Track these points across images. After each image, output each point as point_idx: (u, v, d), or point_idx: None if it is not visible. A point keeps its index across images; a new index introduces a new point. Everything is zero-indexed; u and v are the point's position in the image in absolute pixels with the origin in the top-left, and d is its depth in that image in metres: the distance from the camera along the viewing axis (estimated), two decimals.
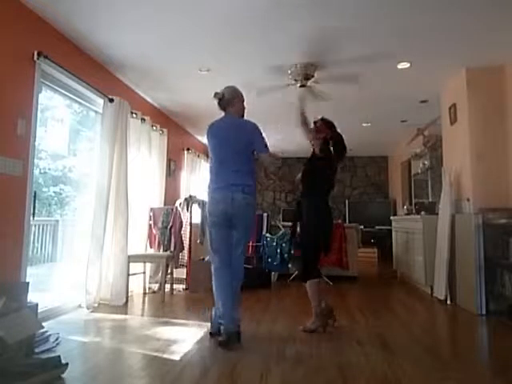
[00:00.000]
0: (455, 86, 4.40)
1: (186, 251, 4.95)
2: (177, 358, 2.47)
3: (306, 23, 3.29)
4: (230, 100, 3.00)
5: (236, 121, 3.04)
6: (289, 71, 4.19)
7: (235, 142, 2.92)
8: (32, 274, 3.29)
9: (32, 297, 2.67)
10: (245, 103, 3.09)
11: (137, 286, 4.59)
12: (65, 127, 4.37)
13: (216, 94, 3.00)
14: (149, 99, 5.34)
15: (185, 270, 4.91)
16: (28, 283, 2.69)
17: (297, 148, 8.29)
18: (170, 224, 4.78)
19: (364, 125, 6.39)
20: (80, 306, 3.73)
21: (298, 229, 3.33)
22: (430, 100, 5.11)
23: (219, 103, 3.02)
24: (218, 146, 2.96)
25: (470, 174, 4.11)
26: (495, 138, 4.06)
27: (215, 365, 2.38)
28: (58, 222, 5.24)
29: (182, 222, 4.88)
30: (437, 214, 4.60)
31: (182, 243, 4.90)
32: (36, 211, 3.22)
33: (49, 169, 4.41)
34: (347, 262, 5.23)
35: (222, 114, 3.05)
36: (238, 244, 2.89)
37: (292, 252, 5.16)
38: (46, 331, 2.70)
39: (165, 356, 2.51)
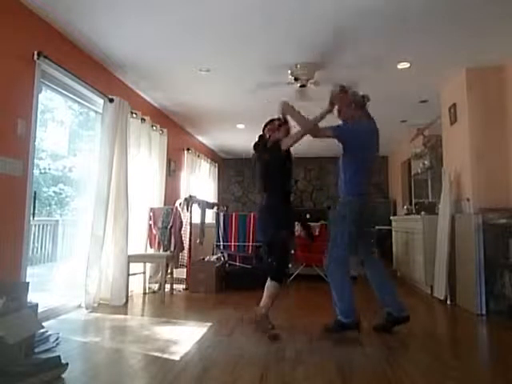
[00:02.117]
0: (455, 86, 4.40)
1: (185, 251, 4.95)
2: (177, 358, 2.47)
3: (306, 23, 3.29)
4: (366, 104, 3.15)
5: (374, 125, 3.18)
6: (289, 71, 4.19)
7: (374, 148, 3.16)
8: (32, 274, 3.29)
9: (32, 297, 2.67)
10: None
11: (137, 286, 4.59)
12: (65, 127, 4.37)
13: (366, 97, 3.17)
14: (149, 99, 5.34)
15: (185, 269, 4.91)
16: (28, 283, 2.68)
17: (294, 148, 8.29)
18: (170, 224, 4.78)
19: None
20: (80, 306, 3.73)
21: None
22: (430, 100, 5.11)
23: (365, 102, 3.16)
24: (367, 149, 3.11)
25: (469, 174, 4.11)
26: (495, 138, 4.06)
27: (215, 365, 2.38)
28: (58, 222, 5.24)
29: (181, 222, 4.88)
30: (437, 213, 4.60)
31: (182, 243, 4.90)
32: (36, 211, 3.22)
33: (49, 169, 4.41)
34: None
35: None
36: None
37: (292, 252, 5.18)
38: (46, 331, 2.70)
39: (165, 356, 2.51)
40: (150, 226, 4.89)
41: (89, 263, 3.78)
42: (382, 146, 3.22)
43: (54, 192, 4.60)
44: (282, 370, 2.30)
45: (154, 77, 4.55)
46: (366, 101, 3.19)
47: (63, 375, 2.15)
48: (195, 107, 5.71)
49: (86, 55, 3.88)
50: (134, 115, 4.63)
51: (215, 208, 6.28)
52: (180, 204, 5.17)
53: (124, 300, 4.02)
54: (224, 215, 5.49)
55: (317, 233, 5.25)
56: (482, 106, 4.11)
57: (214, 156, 8.95)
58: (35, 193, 3.21)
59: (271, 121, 3.37)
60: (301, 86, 4.28)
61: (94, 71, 4.02)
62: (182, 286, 4.85)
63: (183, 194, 6.09)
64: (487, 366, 2.61)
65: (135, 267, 4.39)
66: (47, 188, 4.49)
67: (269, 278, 3.06)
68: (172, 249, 4.74)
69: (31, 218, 3.16)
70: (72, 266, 4.14)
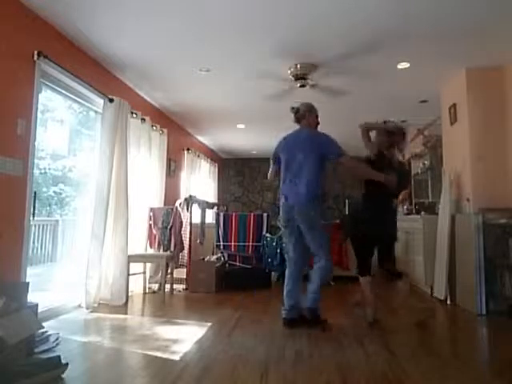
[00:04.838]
0: (455, 86, 4.40)
1: (185, 251, 4.95)
2: (177, 357, 2.47)
3: (305, 23, 3.29)
4: (302, 114, 3.33)
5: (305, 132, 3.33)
6: (289, 71, 4.19)
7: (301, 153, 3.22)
8: (32, 274, 3.29)
9: (32, 297, 2.67)
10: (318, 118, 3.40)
11: (137, 286, 4.59)
12: (65, 127, 4.37)
13: (292, 109, 3.35)
14: (149, 99, 5.34)
15: (185, 269, 4.91)
16: (28, 283, 2.69)
17: None
18: (170, 224, 4.78)
19: None
20: (80, 306, 3.73)
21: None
22: (429, 100, 5.11)
23: (294, 116, 3.36)
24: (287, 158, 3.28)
25: (469, 174, 4.11)
26: (495, 138, 4.06)
27: (215, 365, 2.38)
28: (58, 222, 5.24)
29: (182, 222, 4.88)
30: (437, 213, 4.60)
31: (182, 243, 4.90)
32: (36, 211, 3.22)
33: (49, 169, 4.41)
34: (347, 262, 5.23)
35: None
36: None
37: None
38: (46, 331, 2.70)
39: (165, 356, 2.51)
40: (150, 225, 4.89)
41: (89, 263, 3.78)
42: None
43: (54, 192, 4.61)
44: (282, 370, 2.30)
45: (154, 77, 4.55)
46: (294, 111, 3.41)
47: (63, 375, 2.15)
48: (195, 107, 5.71)
49: (86, 55, 3.88)
50: (134, 115, 4.63)
51: (215, 208, 6.28)
52: (180, 204, 5.17)
53: (124, 300, 4.02)
54: (224, 215, 5.49)
55: None
56: (482, 106, 4.11)
57: (214, 156, 8.96)
58: (35, 193, 3.21)
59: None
60: (301, 86, 4.28)
61: (94, 71, 4.02)
62: (182, 286, 4.84)
63: (183, 194, 6.09)
64: (487, 365, 2.61)
65: (135, 267, 4.39)
66: (47, 188, 4.50)
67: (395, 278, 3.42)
68: (172, 249, 4.74)
69: (31, 218, 3.16)
70: (72, 265, 4.14)
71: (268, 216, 5.49)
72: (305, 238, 3.19)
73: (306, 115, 3.33)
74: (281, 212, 3.28)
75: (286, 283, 3.29)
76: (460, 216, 4.13)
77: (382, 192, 3.28)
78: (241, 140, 7.92)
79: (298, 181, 3.16)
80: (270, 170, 3.47)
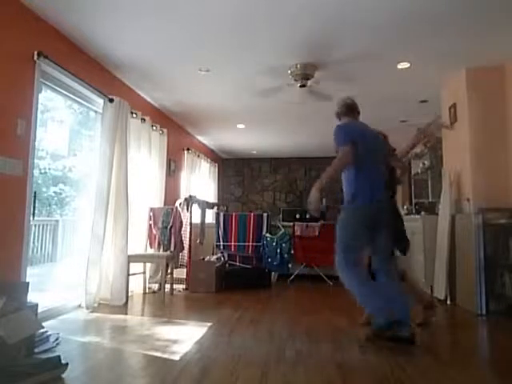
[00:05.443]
0: (455, 86, 4.40)
1: (185, 251, 4.96)
2: (177, 357, 2.47)
3: (305, 23, 3.29)
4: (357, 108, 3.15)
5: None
6: (289, 71, 4.19)
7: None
8: (32, 274, 3.29)
9: (32, 297, 2.67)
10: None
11: (137, 286, 4.59)
12: (65, 127, 4.38)
13: (347, 99, 3.16)
14: (149, 99, 5.34)
15: (185, 269, 4.92)
16: (28, 283, 2.69)
17: (294, 148, 8.35)
18: (170, 224, 4.78)
19: None
20: (80, 306, 3.73)
21: None
22: (430, 100, 5.11)
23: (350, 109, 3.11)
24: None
25: (470, 174, 4.11)
26: (495, 138, 4.06)
27: (215, 365, 2.38)
28: (58, 222, 5.25)
29: (182, 222, 4.88)
30: (437, 214, 4.60)
31: (182, 243, 4.90)
32: (36, 211, 3.22)
33: (49, 169, 4.41)
34: None
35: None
36: None
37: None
38: (46, 331, 2.70)
39: (165, 356, 2.51)
40: (150, 225, 4.89)
41: (89, 263, 3.78)
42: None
43: (54, 192, 4.61)
44: (282, 370, 2.30)
45: (154, 77, 4.55)
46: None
47: (63, 375, 2.15)
48: (195, 107, 5.71)
49: (86, 55, 3.88)
50: (134, 115, 4.63)
51: (215, 208, 6.28)
52: (180, 204, 5.17)
53: (124, 300, 4.02)
54: (224, 215, 5.49)
55: (316, 233, 5.24)
56: (482, 106, 4.11)
57: (214, 156, 8.95)
58: (35, 193, 3.21)
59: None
60: (300, 86, 4.28)
61: (94, 71, 4.02)
62: (181, 286, 4.84)
63: (183, 194, 6.09)
64: (487, 366, 2.61)
65: (135, 267, 4.39)
66: (47, 188, 4.50)
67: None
68: (172, 249, 4.74)
69: (31, 218, 3.16)
70: (72, 265, 4.14)
71: (268, 216, 5.49)
72: (378, 238, 2.87)
73: (359, 110, 3.14)
74: (361, 210, 2.85)
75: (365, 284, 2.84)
76: (460, 216, 4.13)
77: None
78: (241, 140, 7.92)
79: (379, 177, 2.92)
80: (344, 151, 2.82)
